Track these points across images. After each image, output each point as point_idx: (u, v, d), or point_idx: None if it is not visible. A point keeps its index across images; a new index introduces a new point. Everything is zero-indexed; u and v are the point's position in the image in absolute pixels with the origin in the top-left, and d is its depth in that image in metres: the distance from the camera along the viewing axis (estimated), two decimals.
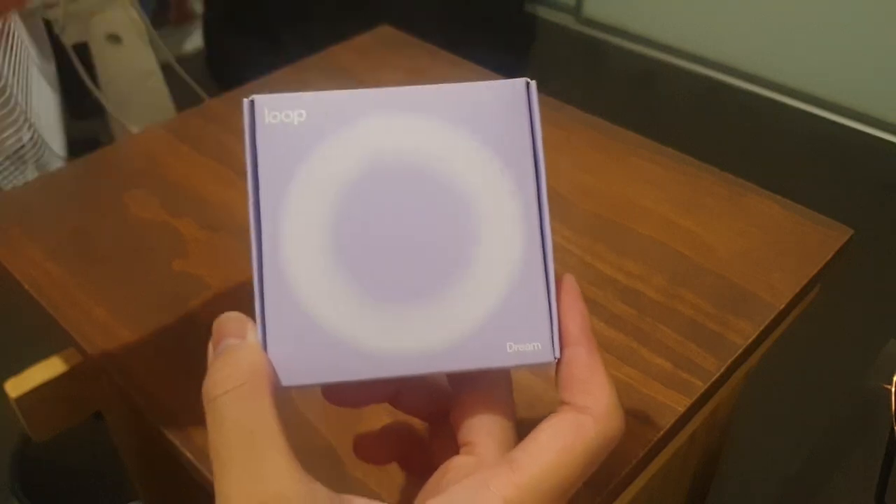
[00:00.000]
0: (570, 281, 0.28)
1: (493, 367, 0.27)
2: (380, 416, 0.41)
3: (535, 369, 0.29)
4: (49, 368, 0.55)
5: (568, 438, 0.26)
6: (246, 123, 0.27)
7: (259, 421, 0.24)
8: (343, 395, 0.30)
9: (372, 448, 0.32)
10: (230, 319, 0.27)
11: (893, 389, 0.59)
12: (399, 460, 0.33)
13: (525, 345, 0.27)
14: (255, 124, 0.27)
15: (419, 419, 0.32)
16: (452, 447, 0.28)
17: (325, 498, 0.24)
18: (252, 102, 0.28)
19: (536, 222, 0.27)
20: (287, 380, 0.26)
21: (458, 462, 0.27)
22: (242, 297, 0.48)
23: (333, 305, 0.27)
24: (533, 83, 0.28)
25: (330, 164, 0.27)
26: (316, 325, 0.27)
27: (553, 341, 0.27)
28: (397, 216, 0.27)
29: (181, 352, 0.45)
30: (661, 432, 0.40)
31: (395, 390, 0.31)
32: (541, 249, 0.27)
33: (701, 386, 0.43)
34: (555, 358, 0.27)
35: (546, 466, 0.25)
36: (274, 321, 0.27)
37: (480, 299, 0.27)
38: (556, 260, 0.51)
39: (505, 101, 0.28)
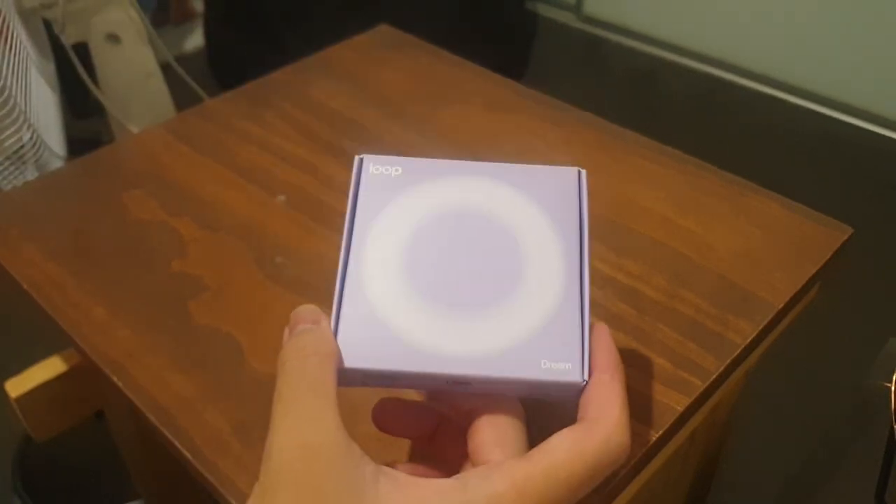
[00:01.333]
0: (604, 327, 0.33)
1: (528, 379, 0.31)
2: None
3: (562, 393, 0.32)
4: (49, 368, 0.55)
5: (578, 441, 0.29)
6: (354, 173, 0.35)
7: (322, 380, 0.29)
8: (392, 423, 0.34)
9: (392, 416, 0.35)
10: (307, 310, 0.32)
11: (893, 388, 0.59)
12: (413, 437, 0.36)
13: (558, 364, 0.31)
14: (360, 174, 0.35)
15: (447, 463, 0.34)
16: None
17: (359, 456, 0.27)
18: (361, 160, 0.36)
19: (577, 267, 0.33)
20: (349, 362, 0.31)
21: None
22: (242, 297, 0.49)
23: (398, 308, 0.32)
24: (584, 172, 0.36)
25: (413, 203, 0.34)
26: (380, 322, 0.32)
27: (583, 365, 0.31)
28: (463, 247, 0.33)
29: (181, 351, 0.46)
30: (661, 432, 0.40)
31: (433, 428, 0.34)
32: (579, 289, 0.33)
33: (700, 385, 0.43)
34: (583, 380, 0.31)
35: (556, 462, 0.28)
36: (347, 312, 0.32)
37: (524, 320, 0.32)
38: None
39: (562, 179, 0.35)
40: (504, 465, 0.28)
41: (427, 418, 0.35)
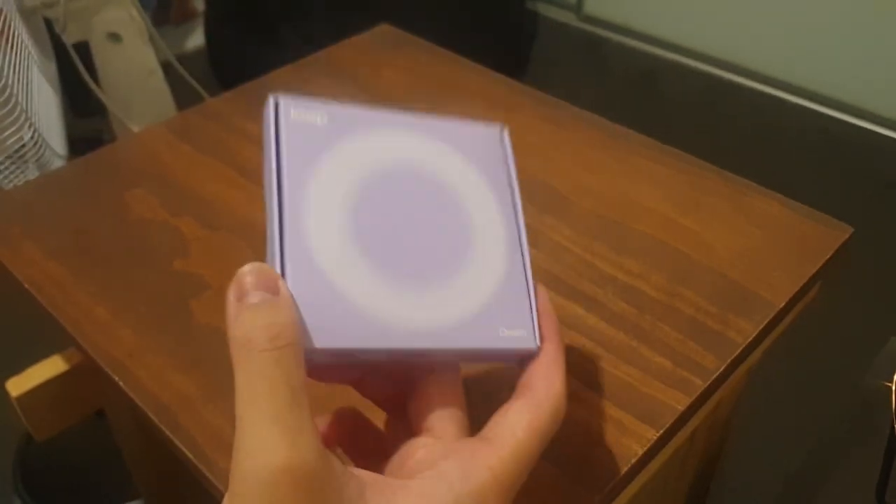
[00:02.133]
0: (543, 292, 0.33)
1: (488, 348, 0.31)
2: (379, 417, 0.41)
3: (514, 359, 0.32)
4: (50, 367, 0.55)
5: (534, 418, 0.29)
6: (269, 118, 0.30)
7: (298, 381, 0.25)
8: (320, 372, 0.31)
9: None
10: (260, 272, 0.27)
11: (894, 388, 0.59)
12: (344, 445, 0.34)
13: (514, 331, 0.31)
14: (279, 120, 0.30)
15: (378, 405, 0.34)
16: (406, 434, 0.31)
17: (341, 473, 0.25)
18: (277, 103, 0.31)
19: (517, 231, 0.33)
20: (318, 342, 0.27)
21: (421, 441, 0.29)
22: None
23: (352, 280, 0.29)
24: (506, 130, 0.35)
25: (347, 159, 0.31)
26: (339, 295, 0.28)
27: (535, 331, 0.32)
28: (409, 211, 0.31)
29: (182, 351, 0.46)
30: (661, 431, 0.40)
31: (361, 374, 0.33)
32: (521, 254, 0.33)
33: (701, 385, 0.43)
34: (536, 346, 0.31)
35: (520, 441, 0.29)
36: (298, 284, 0.28)
37: (477, 288, 0.31)
38: (556, 258, 0.51)
39: (490, 137, 0.35)
40: (477, 454, 0.28)
41: (350, 368, 0.33)
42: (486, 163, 0.34)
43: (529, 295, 0.32)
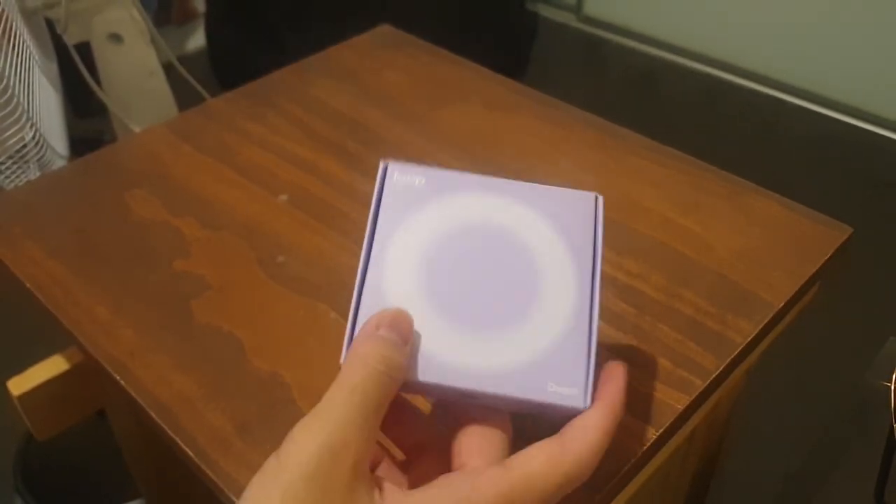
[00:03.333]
0: (621, 367, 0.33)
1: (535, 400, 0.32)
2: None
3: (563, 415, 0.32)
4: (51, 367, 0.55)
5: (556, 455, 0.30)
6: (378, 180, 0.36)
7: (381, 411, 0.29)
8: (390, 425, 0.33)
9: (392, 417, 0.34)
10: (402, 319, 0.32)
11: (893, 387, 0.59)
12: (403, 444, 0.35)
13: (564, 388, 0.32)
14: (384, 182, 0.36)
15: (401, 448, 0.35)
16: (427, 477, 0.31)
17: (369, 484, 0.28)
18: (386, 167, 0.36)
19: (588, 294, 0.34)
20: None
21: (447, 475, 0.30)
22: (244, 296, 0.49)
23: (415, 319, 0.32)
24: (601, 199, 0.36)
25: (435, 216, 0.35)
26: None
27: (586, 391, 0.32)
28: (480, 264, 0.34)
29: (183, 350, 0.46)
30: (661, 430, 0.41)
31: (424, 443, 0.35)
32: (589, 316, 0.33)
33: (700, 384, 0.43)
34: (585, 406, 0.32)
35: (533, 472, 0.29)
36: (365, 319, 0.32)
37: (533, 342, 0.33)
38: None
39: (579, 202, 0.36)
40: (487, 473, 0.29)
41: (417, 425, 0.35)
42: (571, 229, 0.35)
43: (589, 357, 0.33)
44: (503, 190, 0.36)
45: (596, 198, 0.36)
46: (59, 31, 0.82)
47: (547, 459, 0.29)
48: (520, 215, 0.35)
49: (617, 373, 0.33)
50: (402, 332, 0.31)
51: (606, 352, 0.45)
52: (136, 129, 0.85)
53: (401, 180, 0.36)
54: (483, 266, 0.34)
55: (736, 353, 0.44)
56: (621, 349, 0.45)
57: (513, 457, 0.30)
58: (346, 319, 0.45)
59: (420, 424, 0.35)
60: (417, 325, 0.32)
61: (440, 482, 0.29)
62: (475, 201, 0.35)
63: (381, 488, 0.28)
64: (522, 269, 0.34)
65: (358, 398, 0.28)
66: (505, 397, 0.32)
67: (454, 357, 0.32)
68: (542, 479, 0.29)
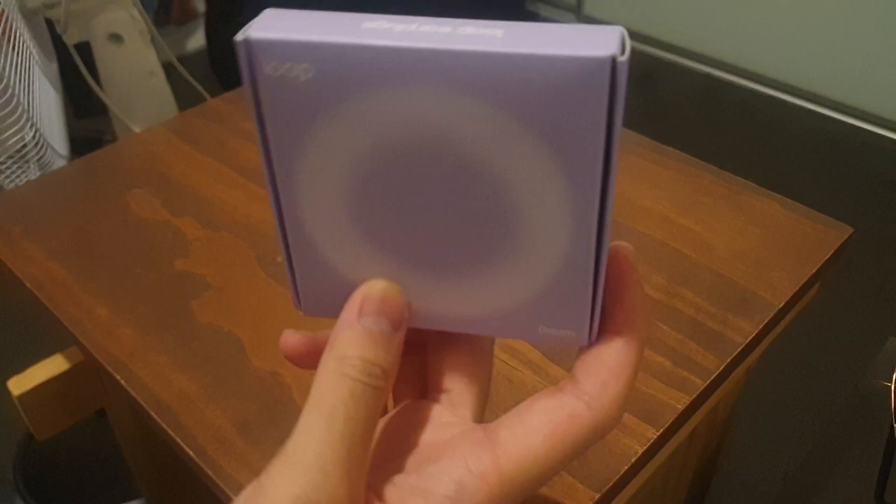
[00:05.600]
0: (627, 254, 0.25)
1: (520, 338, 0.26)
2: None
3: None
4: (51, 366, 0.55)
5: (560, 427, 0.24)
6: (244, 70, 0.23)
7: (367, 427, 0.23)
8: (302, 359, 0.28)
9: (306, 352, 0.28)
10: (391, 300, 0.24)
11: (893, 387, 0.59)
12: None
13: (559, 330, 0.25)
14: (256, 75, 0.23)
15: None
16: (414, 386, 0.28)
17: None
18: (247, 43, 0.23)
19: (595, 210, 0.23)
20: (309, 311, 0.26)
21: (436, 412, 0.26)
22: (244, 296, 0.49)
23: (359, 265, 0.25)
24: (624, 62, 0.20)
25: (342, 131, 0.23)
26: (340, 276, 0.26)
27: (590, 330, 0.25)
28: (428, 191, 0.23)
29: (183, 350, 0.46)
30: (661, 430, 0.41)
31: None
32: (595, 239, 0.23)
33: (700, 384, 0.43)
34: (588, 343, 0.25)
35: (533, 454, 0.24)
36: (303, 269, 0.26)
37: (519, 282, 0.25)
38: None
39: (577, 80, 0.21)
40: (475, 466, 0.23)
41: None
42: (562, 114, 0.21)
43: (594, 288, 0.24)
44: (442, 69, 0.21)
45: (613, 62, 0.20)
46: (59, 31, 0.83)
47: (552, 435, 0.24)
48: (473, 113, 0.22)
49: (628, 278, 0.25)
50: (392, 316, 0.24)
51: None
52: (137, 130, 0.85)
53: (275, 73, 0.23)
54: (436, 194, 0.23)
55: (736, 353, 0.44)
56: None
57: (508, 430, 0.24)
58: None
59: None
60: (364, 270, 0.25)
61: (423, 491, 0.23)
62: (401, 98, 0.22)
63: None
64: (491, 188, 0.23)
65: (338, 427, 0.22)
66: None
67: (420, 300, 0.26)
68: (544, 459, 0.24)
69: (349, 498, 0.22)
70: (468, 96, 0.21)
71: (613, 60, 0.20)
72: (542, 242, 0.24)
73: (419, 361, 0.28)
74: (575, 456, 0.24)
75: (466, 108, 0.22)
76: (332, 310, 0.25)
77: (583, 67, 0.20)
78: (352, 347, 0.23)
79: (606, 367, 0.24)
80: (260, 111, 0.23)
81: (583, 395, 0.24)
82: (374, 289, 0.25)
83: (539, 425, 0.24)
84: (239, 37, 0.23)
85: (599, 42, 0.20)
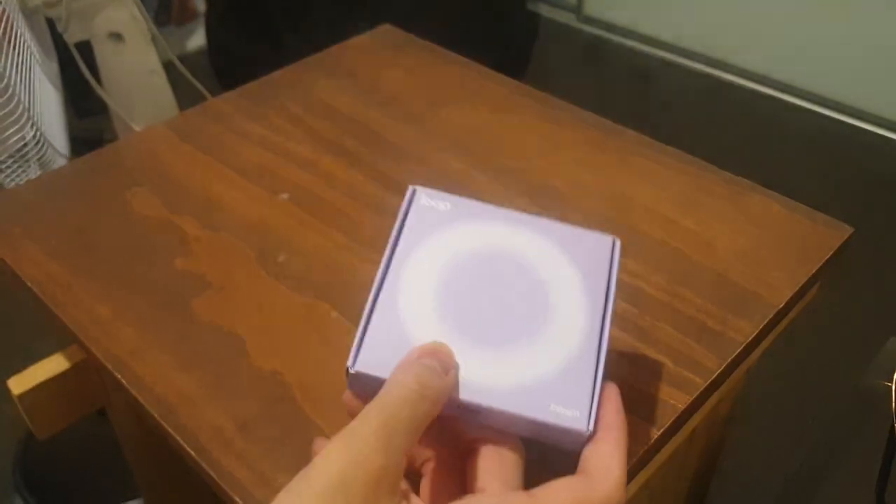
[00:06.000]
0: (614, 388, 0.34)
1: (536, 419, 0.32)
2: None
3: (567, 440, 0.33)
4: (52, 366, 0.55)
5: (581, 491, 0.30)
6: (405, 202, 0.37)
7: (421, 425, 0.30)
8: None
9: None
10: (446, 353, 0.33)
11: (893, 388, 0.59)
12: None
13: (566, 410, 0.32)
14: (411, 204, 0.37)
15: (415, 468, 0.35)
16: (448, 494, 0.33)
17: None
18: (414, 191, 0.38)
19: (599, 323, 0.35)
20: (366, 367, 0.33)
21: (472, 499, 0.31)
22: (245, 295, 0.49)
23: (424, 329, 0.34)
24: (618, 242, 0.38)
25: (455, 239, 0.36)
26: (405, 337, 0.34)
27: (590, 416, 0.32)
28: (492, 284, 0.35)
29: (183, 349, 0.46)
30: (661, 430, 0.41)
31: (435, 456, 0.35)
32: (598, 344, 0.34)
33: (701, 384, 0.43)
34: (588, 430, 0.32)
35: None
36: (376, 322, 0.34)
37: (540, 364, 0.33)
38: None
39: (598, 242, 0.37)
40: (512, 497, 0.30)
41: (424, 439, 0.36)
42: (587, 266, 0.36)
43: (595, 383, 0.33)
44: (525, 223, 0.37)
45: (613, 242, 0.37)
46: (59, 30, 0.83)
47: (571, 494, 0.30)
48: (537, 247, 0.37)
49: (614, 396, 0.34)
50: (442, 362, 0.32)
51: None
52: (137, 129, 0.85)
53: (427, 204, 0.37)
54: (496, 290, 0.35)
55: (736, 352, 0.44)
56: (622, 349, 0.45)
57: (537, 489, 0.30)
58: (347, 318, 0.45)
59: (426, 438, 0.35)
60: (425, 337, 0.33)
61: (469, 501, 0.29)
62: (496, 230, 0.37)
63: (409, 500, 0.29)
64: (535, 296, 0.35)
65: (386, 415, 0.29)
66: (506, 413, 0.32)
67: (463, 373, 0.33)
68: None
69: (388, 468, 0.28)
70: (542, 236, 0.37)
71: (613, 241, 0.38)
72: (562, 338, 0.34)
73: (459, 468, 0.33)
74: None
75: (539, 242, 0.37)
76: (383, 368, 0.32)
77: (603, 238, 0.38)
78: (407, 373, 0.31)
79: (605, 453, 0.32)
80: (402, 225, 0.37)
81: (591, 475, 0.31)
82: (428, 344, 0.33)
83: (564, 489, 0.30)
84: (410, 187, 0.38)
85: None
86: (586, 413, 0.32)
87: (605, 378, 0.34)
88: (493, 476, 0.31)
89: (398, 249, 0.36)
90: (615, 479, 0.31)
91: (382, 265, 0.35)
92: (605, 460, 0.31)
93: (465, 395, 0.32)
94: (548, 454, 0.34)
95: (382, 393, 0.30)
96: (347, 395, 0.35)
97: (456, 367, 0.33)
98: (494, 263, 0.36)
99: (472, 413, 0.33)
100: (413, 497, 0.29)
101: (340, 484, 0.27)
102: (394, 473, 0.28)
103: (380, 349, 0.33)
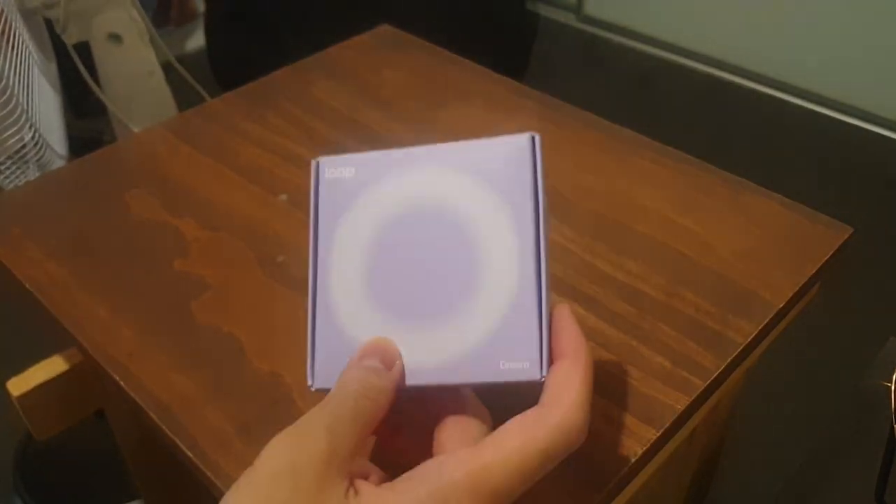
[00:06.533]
0: (564, 308, 0.32)
1: (488, 382, 0.31)
2: None
3: (525, 388, 0.31)
4: (51, 367, 0.55)
5: (529, 427, 0.29)
6: (312, 179, 0.35)
7: (360, 428, 0.30)
8: None
9: None
10: (387, 349, 0.32)
11: (893, 387, 0.59)
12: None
13: (516, 363, 0.31)
14: (319, 180, 0.35)
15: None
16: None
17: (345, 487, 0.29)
18: (318, 164, 0.35)
19: (532, 256, 0.32)
20: (321, 383, 0.33)
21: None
22: (244, 296, 0.49)
23: (364, 326, 0.33)
24: (538, 137, 0.33)
25: (367, 209, 0.34)
26: (348, 341, 0.33)
27: (542, 362, 0.31)
28: (417, 250, 0.33)
29: (182, 351, 0.46)
30: (661, 430, 0.40)
31: (402, 425, 0.35)
32: (535, 280, 0.31)
33: (700, 384, 0.43)
34: (541, 377, 0.31)
35: (508, 448, 0.28)
36: (321, 334, 0.34)
37: (481, 322, 0.32)
38: (557, 259, 0.51)
39: (512, 153, 0.33)
40: (456, 455, 0.29)
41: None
42: (506, 181, 0.32)
43: (541, 321, 0.31)
44: (432, 159, 0.34)
45: (532, 139, 0.33)
46: (58, 31, 0.82)
47: (521, 431, 0.29)
48: (451, 184, 0.33)
49: (564, 321, 0.32)
50: (384, 358, 0.32)
51: (605, 351, 0.45)
52: (136, 130, 0.85)
53: (332, 176, 0.35)
54: (422, 257, 0.33)
55: (736, 353, 0.44)
56: (621, 349, 0.45)
57: (490, 436, 0.29)
58: None
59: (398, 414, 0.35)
60: (365, 333, 0.33)
61: (411, 473, 0.29)
62: (406, 181, 0.34)
63: (355, 485, 0.29)
64: (462, 249, 0.32)
65: (329, 409, 0.30)
66: (459, 386, 0.32)
67: (409, 358, 0.32)
68: (519, 453, 0.28)
69: (334, 450, 0.28)
70: (454, 170, 0.33)
71: (532, 139, 0.33)
72: (498, 287, 0.32)
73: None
74: (551, 455, 0.29)
75: (453, 180, 0.33)
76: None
77: (516, 144, 0.33)
78: (350, 375, 0.31)
79: (556, 381, 0.30)
80: (317, 206, 0.35)
81: (543, 406, 0.30)
82: (369, 342, 0.33)
83: (514, 429, 0.29)
84: (313, 161, 0.35)
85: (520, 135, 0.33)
86: (537, 360, 0.31)
87: (549, 310, 0.32)
88: (458, 441, 0.31)
89: (320, 238, 0.34)
90: (569, 402, 0.29)
91: (311, 262, 0.34)
92: (557, 387, 0.30)
93: (413, 379, 0.32)
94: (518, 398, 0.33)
95: (328, 397, 0.31)
96: None
97: (399, 357, 0.32)
98: (414, 226, 0.33)
99: (428, 390, 0.32)
100: (361, 483, 0.29)
101: (288, 467, 0.27)
102: (341, 457, 0.28)
103: (330, 361, 0.33)
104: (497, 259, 0.32)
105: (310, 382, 0.33)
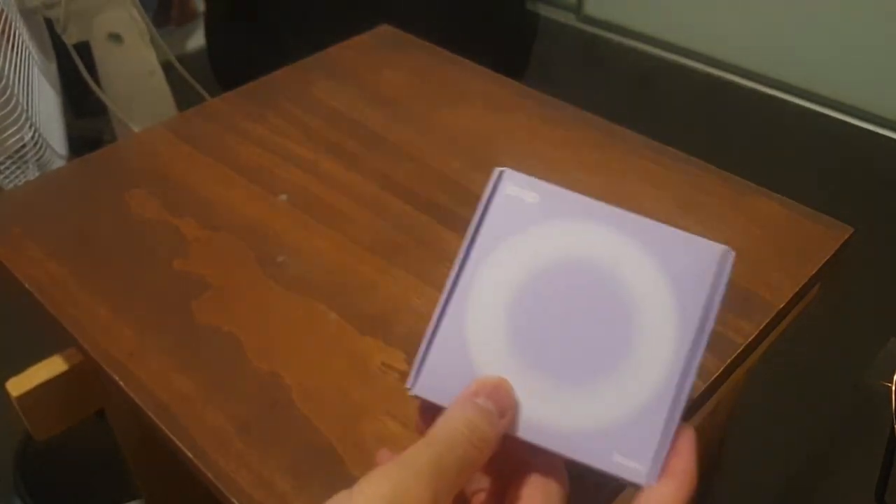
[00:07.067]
0: (691, 431, 0.31)
1: (595, 467, 0.30)
2: (378, 417, 0.41)
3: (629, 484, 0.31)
4: (50, 367, 0.55)
5: None
6: (490, 186, 0.33)
7: (455, 481, 0.29)
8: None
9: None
10: (506, 394, 0.31)
11: (893, 388, 0.59)
12: None
13: (630, 461, 0.30)
14: (496, 191, 0.33)
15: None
16: None
17: None
18: (501, 174, 0.33)
19: (682, 363, 0.30)
20: (428, 393, 0.31)
21: None
22: (244, 296, 0.49)
23: (490, 352, 0.31)
24: (733, 255, 0.32)
25: (538, 242, 0.32)
26: (468, 363, 0.31)
27: (653, 470, 0.30)
28: (574, 302, 0.31)
29: (182, 351, 0.46)
30: None
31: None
32: (678, 389, 0.30)
33: (701, 385, 0.43)
34: (647, 484, 0.30)
35: None
36: (440, 342, 0.32)
37: (611, 405, 0.30)
38: None
39: (703, 256, 0.32)
40: None
41: None
42: (685, 281, 0.31)
43: (666, 432, 0.30)
44: (622, 225, 0.32)
45: (724, 254, 0.32)
46: (58, 30, 0.82)
47: None
48: (631, 257, 0.32)
49: (688, 444, 0.31)
50: (500, 404, 0.30)
51: None
52: (136, 129, 0.85)
53: (513, 193, 0.33)
54: (577, 308, 0.31)
55: (737, 353, 0.44)
56: None
57: None
58: (345, 319, 0.45)
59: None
60: (489, 364, 0.31)
61: None
62: (586, 234, 0.32)
63: None
64: (617, 322, 0.31)
65: (433, 453, 0.28)
66: (564, 457, 0.31)
67: (527, 407, 0.31)
68: None
69: (431, 501, 0.27)
70: (638, 244, 0.32)
71: (726, 253, 0.32)
72: (639, 379, 0.30)
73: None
74: None
75: (633, 253, 0.32)
76: (442, 395, 0.31)
77: (711, 250, 0.32)
78: (462, 412, 0.29)
79: (656, 500, 0.30)
80: (484, 215, 0.33)
81: None
82: (490, 380, 0.31)
83: None
84: (496, 169, 0.33)
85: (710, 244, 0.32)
86: (648, 466, 0.30)
87: (678, 424, 0.30)
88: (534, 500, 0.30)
89: (475, 249, 0.32)
90: None
91: (456, 266, 0.32)
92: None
93: (521, 432, 0.30)
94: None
95: (435, 428, 0.29)
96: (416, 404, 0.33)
97: (514, 409, 0.31)
98: (578, 278, 0.31)
99: (531, 447, 0.31)
100: None
101: None
102: None
103: (440, 373, 0.31)
104: (649, 351, 0.31)
105: (409, 385, 0.31)
